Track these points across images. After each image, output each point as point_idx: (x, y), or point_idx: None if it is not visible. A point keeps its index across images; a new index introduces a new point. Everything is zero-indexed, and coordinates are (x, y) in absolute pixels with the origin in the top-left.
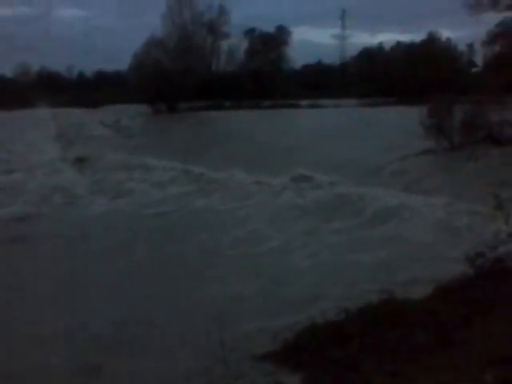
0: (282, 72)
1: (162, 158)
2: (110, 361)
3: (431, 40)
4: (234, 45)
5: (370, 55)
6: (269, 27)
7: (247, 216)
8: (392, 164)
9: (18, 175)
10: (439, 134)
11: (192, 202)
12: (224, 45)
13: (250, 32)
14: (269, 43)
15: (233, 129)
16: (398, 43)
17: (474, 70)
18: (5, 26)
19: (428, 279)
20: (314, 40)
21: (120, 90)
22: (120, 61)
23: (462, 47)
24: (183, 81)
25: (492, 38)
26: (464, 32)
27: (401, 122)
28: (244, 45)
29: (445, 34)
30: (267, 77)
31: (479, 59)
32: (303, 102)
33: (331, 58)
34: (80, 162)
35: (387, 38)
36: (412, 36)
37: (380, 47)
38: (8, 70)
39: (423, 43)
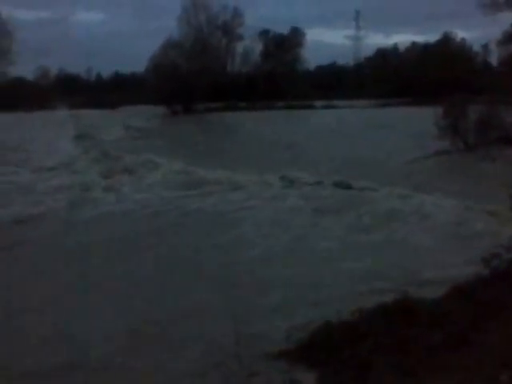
0: (297, 73)
1: (174, 159)
2: (127, 357)
3: (446, 40)
4: (248, 46)
5: (384, 56)
6: (283, 29)
7: (247, 217)
8: (406, 164)
9: (32, 175)
10: (454, 134)
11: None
12: (239, 46)
13: (264, 33)
14: (283, 44)
15: (247, 130)
16: (413, 44)
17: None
18: (25, 30)
19: (442, 280)
20: (328, 41)
21: (137, 91)
22: (137, 63)
23: (476, 47)
24: (199, 82)
25: (507, 38)
26: (479, 32)
27: (415, 123)
28: (258, 46)
29: (460, 34)
30: (282, 78)
31: (494, 59)
32: (317, 103)
33: (345, 59)
34: (97, 162)
35: (402, 38)
36: (426, 37)
37: (395, 48)
38: (28, 73)
39: (438, 44)
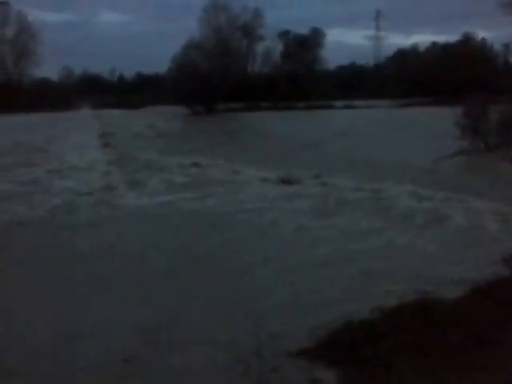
0: (317, 73)
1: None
2: (149, 353)
3: (466, 40)
4: (269, 47)
5: (404, 56)
6: (303, 29)
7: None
8: (427, 164)
9: (55, 175)
10: (475, 134)
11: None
12: (259, 47)
13: (284, 34)
14: (303, 45)
15: (271, 129)
16: (433, 44)
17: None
18: (51, 32)
19: (462, 280)
20: (348, 41)
21: (159, 91)
22: (159, 63)
23: (497, 47)
24: (220, 83)
25: None
26: (500, 32)
27: (436, 123)
28: (279, 47)
29: (480, 34)
30: (302, 78)
31: None
32: (338, 103)
33: (365, 60)
34: (120, 162)
35: (422, 39)
36: (447, 37)
37: (415, 48)
38: (53, 74)
39: (458, 43)
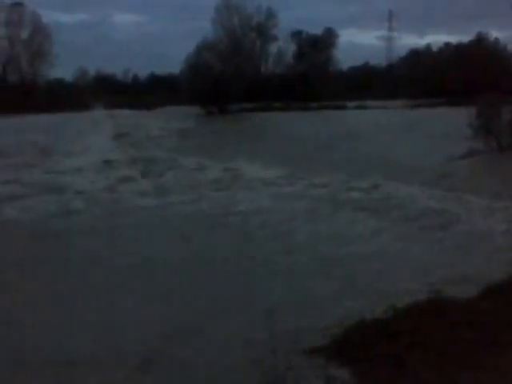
0: (329, 74)
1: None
2: (165, 350)
3: (479, 40)
4: (282, 47)
5: (417, 56)
6: (316, 29)
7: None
8: (439, 165)
9: (70, 176)
10: (487, 134)
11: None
12: (272, 47)
13: (297, 34)
14: (316, 45)
15: (283, 130)
16: (446, 44)
17: None
18: (65, 33)
19: (475, 279)
20: (361, 42)
21: (172, 92)
22: (173, 64)
23: (511, 47)
24: (233, 83)
25: None
26: None
27: (449, 123)
28: (292, 47)
29: (493, 34)
30: (315, 79)
31: None
32: (350, 104)
33: (378, 60)
34: (135, 162)
35: (435, 39)
36: (460, 37)
37: (427, 48)
38: (67, 74)
39: (471, 44)
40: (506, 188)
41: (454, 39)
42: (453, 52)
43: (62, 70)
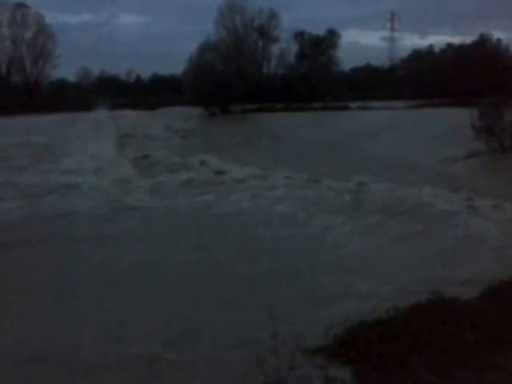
0: (332, 74)
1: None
2: (165, 351)
3: (482, 41)
4: (284, 48)
5: (420, 57)
6: (318, 30)
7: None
8: (441, 165)
9: (74, 177)
10: (490, 135)
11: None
12: (275, 48)
13: (299, 35)
14: (318, 46)
15: (287, 131)
16: (449, 45)
17: None
18: (69, 33)
19: (476, 280)
20: (363, 42)
21: (175, 92)
22: (176, 64)
23: None
24: (236, 84)
25: None
26: None
27: (451, 124)
28: (294, 48)
29: (497, 35)
30: (317, 79)
31: None
32: (353, 104)
33: (380, 61)
34: (139, 163)
35: (438, 39)
36: (463, 38)
37: (430, 49)
38: (70, 75)
39: (474, 45)
40: (507, 189)
41: (456, 40)
42: (455, 53)
43: (66, 70)
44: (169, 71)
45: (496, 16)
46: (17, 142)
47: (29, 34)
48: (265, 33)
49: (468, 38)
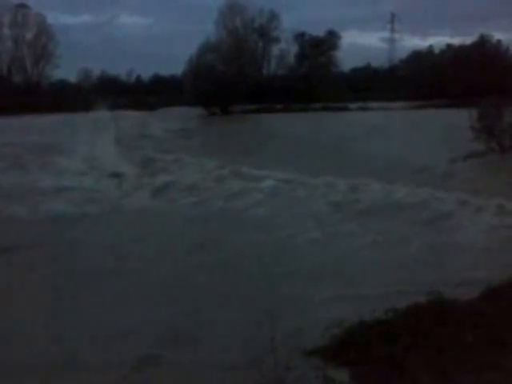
0: (332, 75)
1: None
2: (165, 350)
3: (482, 42)
4: (284, 49)
5: (419, 58)
6: (318, 31)
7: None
8: (441, 166)
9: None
10: (489, 136)
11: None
12: (275, 49)
13: (300, 36)
14: (318, 47)
15: (287, 131)
16: (448, 46)
17: None
18: (70, 34)
19: (475, 281)
20: (363, 43)
21: (175, 93)
22: (177, 65)
23: None
24: (236, 84)
25: None
26: None
27: (451, 125)
28: (294, 49)
29: (497, 36)
30: (317, 80)
31: None
32: (352, 105)
33: (380, 62)
34: (141, 162)
35: (437, 41)
36: (463, 39)
37: (430, 50)
38: (71, 75)
39: (474, 45)
40: (506, 189)
41: (456, 41)
42: (455, 54)
43: (67, 70)
44: (169, 72)
45: (496, 17)
46: (18, 142)
47: (30, 35)
48: (265, 33)
49: (468, 39)
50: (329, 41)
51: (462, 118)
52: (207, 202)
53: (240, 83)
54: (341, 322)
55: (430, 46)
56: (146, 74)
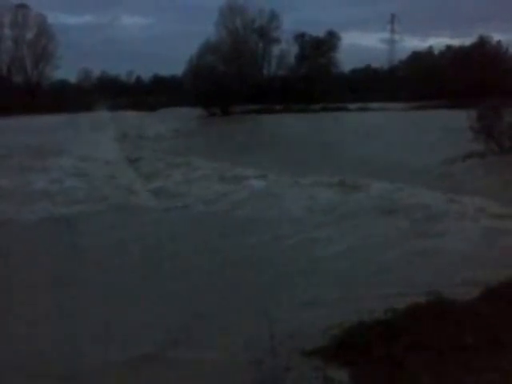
0: (332, 76)
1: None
2: (164, 350)
3: (482, 43)
4: (284, 49)
5: (419, 59)
6: (319, 32)
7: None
8: (440, 166)
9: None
10: (488, 137)
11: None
12: (275, 49)
13: (300, 37)
14: (319, 48)
15: (287, 132)
16: (448, 47)
17: None
18: (71, 34)
19: (474, 281)
20: (363, 44)
21: (175, 93)
22: (177, 66)
23: None
24: (236, 85)
25: None
26: None
27: (450, 125)
28: (294, 49)
29: (497, 37)
30: (317, 81)
31: None
32: (352, 106)
33: (380, 62)
34: (136, 161)
35: (437, 42)
36: (463, 40)
37: (429, 51)
38: (71, 76)
39: (473, 46)
40: (505, 190)
41: (456, 42)
42: (454, 55)
43: (67, 71)
44: (169, 72)
45: (495, 18)
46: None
47: (30, 35)
48: (265, 34)
49: (467, 40)
50: (329, 41)
51: (461, 119)
52: (193, 205)
53: (240, 84)
54: (341, 322)
55: (430, 47)
56: (146, 74)
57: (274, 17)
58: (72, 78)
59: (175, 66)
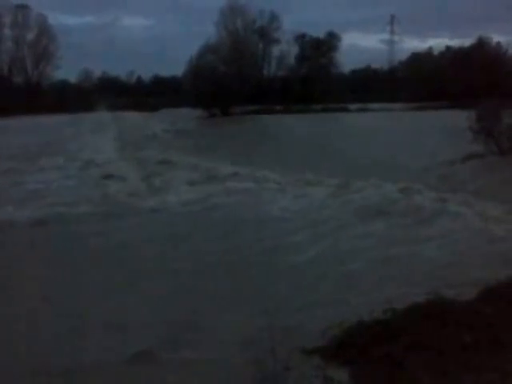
0: (332, 77)
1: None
2: (164, 350)
3: (481, 44)
4: (284, 50)
5: (419, 60)
6: (319, 33)
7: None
8: (440, 167)
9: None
10: (488, 138)
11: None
12: (275, 50)
13: (300, 37)
14: (319, 48)
15: (287, 132)
16: (448, 48)
17: None
18: (71, 35)
19: (474, 281)
20: (363, 45)
21: (176, 94)
22: (177, 66)
23: None
24: (236, 85)
25: None
26: None
27: (449, 126)
28: (294, 50)
29: (496, 38)
30: (317, 81)
31: None
32: (352, 106)
33: (380, 63)
34: (138, 163)
35: (437, 43)
36: (463, 41)
37: (429, 52)
38: (72, 76)
39: (473, 47)
40: (505, 191)
41: (455, 43)
42: (454, 55)
43: (67, 71)
44: (170, 73)
45: (495, 19)
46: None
47: (31, 35)
48: (265, 35)
49: (467, 41)
50: (329, 42)
51: (461, 120)
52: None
53: (240, 84)
54: (340, 322)
55: (430, 48)
56: (147, 74)
57: (274, 17)
58: (72, 79)
59: (175, 66)
